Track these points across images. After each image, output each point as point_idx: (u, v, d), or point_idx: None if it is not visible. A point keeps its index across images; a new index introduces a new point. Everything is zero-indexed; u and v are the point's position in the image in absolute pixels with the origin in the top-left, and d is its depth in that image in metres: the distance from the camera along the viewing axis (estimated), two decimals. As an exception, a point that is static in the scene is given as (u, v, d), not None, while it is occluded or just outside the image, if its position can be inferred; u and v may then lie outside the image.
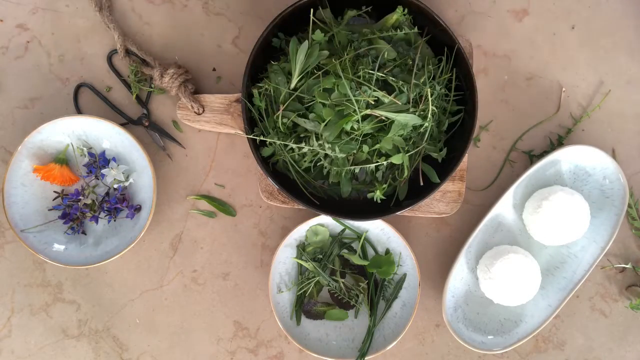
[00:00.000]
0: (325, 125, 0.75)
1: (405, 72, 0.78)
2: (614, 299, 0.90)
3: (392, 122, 0.76)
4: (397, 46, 0.79)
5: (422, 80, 0.76)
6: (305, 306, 0.87)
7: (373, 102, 0.74)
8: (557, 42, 0.91)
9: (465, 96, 0.81)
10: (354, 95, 0.74)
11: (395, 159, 0.77)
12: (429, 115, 0.76)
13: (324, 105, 0.75)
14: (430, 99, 0.75)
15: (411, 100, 0.76)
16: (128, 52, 0.89)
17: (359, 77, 0.75)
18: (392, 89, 0.77)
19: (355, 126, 0.75)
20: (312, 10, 0.78)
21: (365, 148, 0.77)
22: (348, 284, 0.88)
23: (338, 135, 0.76)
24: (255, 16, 0.91)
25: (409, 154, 0.78)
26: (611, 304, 0.90)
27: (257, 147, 0.80)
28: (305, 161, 0.80)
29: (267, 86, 0.80)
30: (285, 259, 0.87)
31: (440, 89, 0.78)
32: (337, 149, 0.76)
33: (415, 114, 0.76)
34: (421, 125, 0.77)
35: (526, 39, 0.91)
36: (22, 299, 0.90)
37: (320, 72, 0.76)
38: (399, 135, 0.77)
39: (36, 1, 0.91)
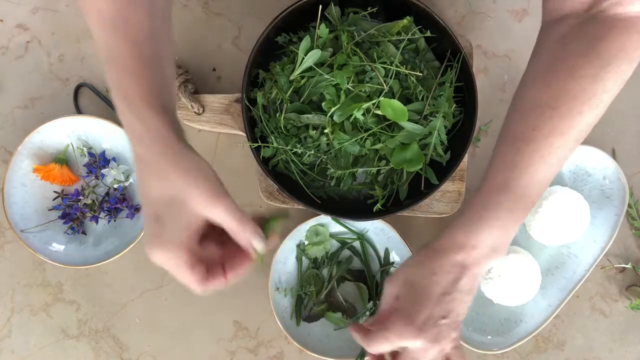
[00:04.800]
0: (337, 108, 0.75)
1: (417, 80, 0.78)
2: (614, 299, 0.90)
3: (398, 125, 0.77)
4: (404, 52, 0.79)
5: (439, 95, 0.77)
6: (303, 314, 0.87)
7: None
8: (557, 42, 0.91)
9: (465, 97, 0.81)
10: (369, 79, 0.75)
11: (396, 165, 0.77)
12: (436, 132, 0.76)
13: (336, 89, 0.76)
14: (441, 119, 0.76)
15: (423, 114, 0.77)
16: (128, 52, 0.89)
17: (380, 62, 0.76)
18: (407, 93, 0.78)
19: (362, 118, 0.75)
20: (320, 7, 0.78)
21: (368, 143, 0.77)
22: (346, 294, 0.87)
23: (346, 119, 0.76)
24: (255, 16, 0.91)
25: None
26: (611, 304, 0.90)
27: (257, 147, 0.80)
28: (306, 162, 0.80)
29: (267, 86, 0.80)
30: (285, 259, 0.87)
31: (451, 107, 0.78)
32: (343, 136, 0.76)
33: (424, 127, 0.76)
34: (426, 136, 0.78)
35: (526, 39, 0.90)
36: (22, 299, 0.90)
37: (324, 67, 0.77)
38: (402, 143, 0.77)
39: (36, 1, 0.91)
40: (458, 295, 0.60)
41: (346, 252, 0.89)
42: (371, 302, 0.86)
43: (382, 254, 0.88)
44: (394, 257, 0.88)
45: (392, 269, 0.88)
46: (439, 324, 0.59)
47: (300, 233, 0.87)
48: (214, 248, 0.54)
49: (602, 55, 0.55)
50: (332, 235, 0.88)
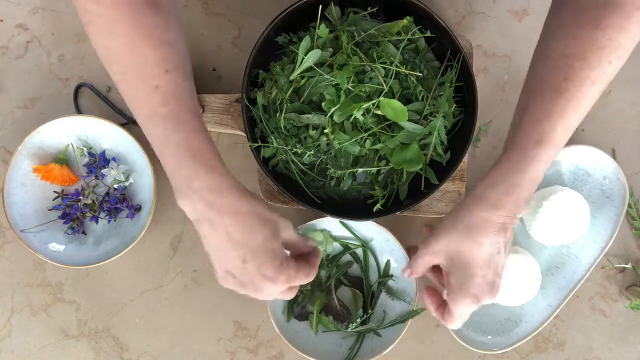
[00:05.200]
0: (337, 108, 0.75)
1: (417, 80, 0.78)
2: (614, 299, 0.90)
3: (398, 125, 0.77)
4: (404, 52, 0.79)
5: (439, 94, 0.77)
6: (295, 312, 0.87)
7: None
8: (557, 42, 0.91)
9: (465, 97, 0.81)
10: (369, 79, 0.75)
11: (396, 165, 0.77)
12: (436, 132, 0.76)
13: (336, 89, 0.76)
14: (441, 119, 0.76)
15: (423, 114, 0.77)
16: (128, 52, 0.89)
17: (380, 62, 0.76)
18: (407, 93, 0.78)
19: (362, 118, 0.76)
20: (320, 7, 0.78)
21: (368, 143, 0.77)
22: (342, 298, 0.87)
23: (346, 119, 0.76)
24: (255, 16, 0.91)
25: None
26: (611, 304, 0.90)
27: (257, 147, 0.80)
28: (306, 162, 0.80)
29: (267, 86, 0.80)
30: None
31: (451, 107, 0.78)
32: (343, 136, 0.76)
33: (423, 127, 0.76)
34: (426, 136, 0.78)
35: (526, 39, 0.91)
36: (22, 299, 0.90)
37: (324, 67, 0.77)
38: (402, 142, 0.77)
39: (36, 1, 0.91)
40: (502, 251, 0.63)
41: (347, 257, 0.89)
42: (361, 310, 0.86)
43: (382, 265, 0.88)
44: (394, 270, 0.87)
45: (390, 282, 0.87)
46: (492, 281, 0.63)
47: (305, 231, 0.86)
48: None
49: (625, 5, 0.56)
50: (335, 238, 0.87)
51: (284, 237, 0.62)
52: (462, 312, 0.64)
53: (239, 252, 0.58)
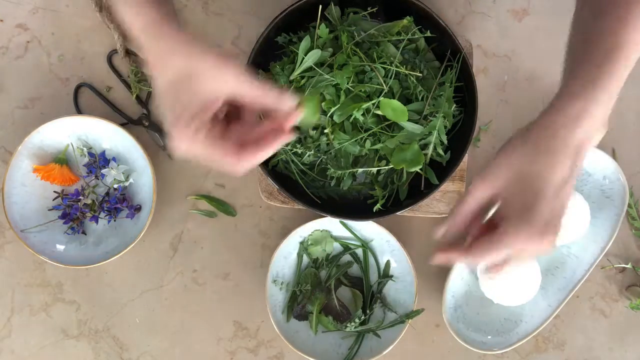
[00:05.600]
0: (337, 108, 0.75)
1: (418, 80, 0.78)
2: (614, 299, 0.90)
3: (398, 125, 0.77)
4: (404, 52, 0.79)
5: (439, 94, 0.77)
6: (294, 311, 0.87)
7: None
8: (557, 41, 0.90)
9: (465, 97, 0.81)
10: (369, 79, 0.75)
11: (396, 165, 0.77)
12: (436, 132, 0.76)
13: (336, 89, 0.76)
14: (441, 119, 0.76)
15: (423, 114, 0.77)
16: (128, 52, 0.89)
17: (380, 62, 0.76)
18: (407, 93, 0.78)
19: (362, 118, 0.76)
20: (320, 7, 0.78)
21: (368, 143, 0.77)
22: (342, 298, 0.87)
23: (346, 119, 0.76)
24: (255, 16, 0.91)
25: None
26: (611, 304, 0.90)
27: (257, 147, 0.80)
28: (306, 162, 0.80)
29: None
30: (288, 253, 0.87)
31: (451, 107, 0.78)
32: (343, 136, 0.76)
33: (423, 127, 0.76)
34: (426, 136, 0.78)
35: (526, 39, 0.91)
36: (22, 299, 0.90)
37: (324, 67, 0.77)
38: (402, 142, 0.77)
39: (36, 1, 0.91)
40: (572, 182, 0.53)
41: (347, 257, 0.89)
42: (361, 311, 0.86)
43: (382, 265, 0.88)
44: (394, 271, 0.87)
45: (389, 282, 0.87)
46: (558, 220, 0.53)
47: (306, 231, 0.86)
48: (247, 126, 0.54)
49: None
50: (335, 238, 0.87)
51: (224, 90, 0.51)
52: (521, 248, 0.52)
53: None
